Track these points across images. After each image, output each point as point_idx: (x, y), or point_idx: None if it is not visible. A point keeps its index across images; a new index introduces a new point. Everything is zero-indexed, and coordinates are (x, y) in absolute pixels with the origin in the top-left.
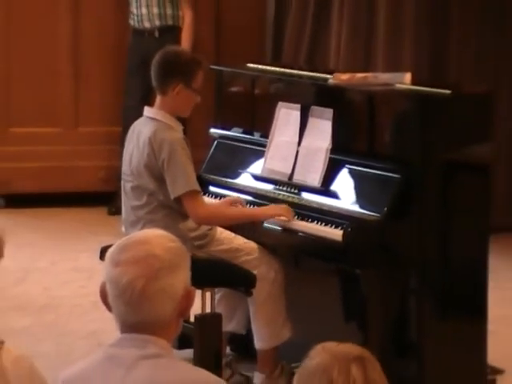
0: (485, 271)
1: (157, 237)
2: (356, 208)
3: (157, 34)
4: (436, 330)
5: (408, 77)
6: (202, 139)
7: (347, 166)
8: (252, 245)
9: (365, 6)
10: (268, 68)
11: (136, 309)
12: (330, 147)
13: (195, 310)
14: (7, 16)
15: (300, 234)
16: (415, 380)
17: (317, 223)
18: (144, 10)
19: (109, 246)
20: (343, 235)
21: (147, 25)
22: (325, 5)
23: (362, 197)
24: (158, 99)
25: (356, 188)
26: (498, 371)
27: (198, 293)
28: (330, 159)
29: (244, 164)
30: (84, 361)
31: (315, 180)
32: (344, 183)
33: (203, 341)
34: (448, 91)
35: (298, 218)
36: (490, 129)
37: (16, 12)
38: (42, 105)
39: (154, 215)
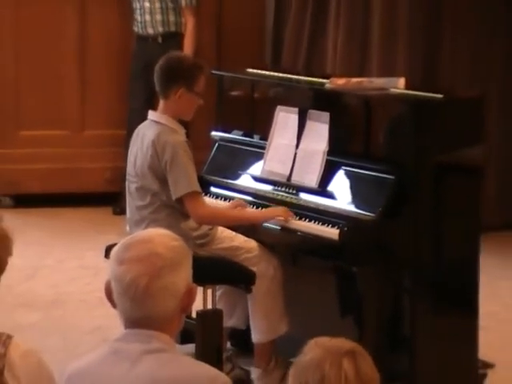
0: (476, 269)
1: (159, 236)
2: (352, 208)
3: (160, 40)
4: (429, 325)
5: (402, 81)
6: (204, 141)
7: (343, 167)
8: (252, 243)
9: (360, 11)
10: (267, 73)
11: (140, 305)
12: (326, 149)
13: (197, 306)
14: (16, 22)
15: (298, 233)
16: (408, 374)
17: (314, 223)
18: (148, 17)
19: (114, 245)
20: (339, 234)
21: (151, 31)
22: (322, 12)
23: (357, 197)
24: (161, 103)
25: (352, 189)
26: (488, 365)
27: (200, 290)
28: (327, 161)
29: (244, 165)
30: (90, 355)
31: (312, 181)
32: (340, 184)
33: (205, 336)
34: (440, 96)
35: (295, 218)
36: (481, 132)
37: (24, 18)
38: (49, 109)
39: (157, 215)
